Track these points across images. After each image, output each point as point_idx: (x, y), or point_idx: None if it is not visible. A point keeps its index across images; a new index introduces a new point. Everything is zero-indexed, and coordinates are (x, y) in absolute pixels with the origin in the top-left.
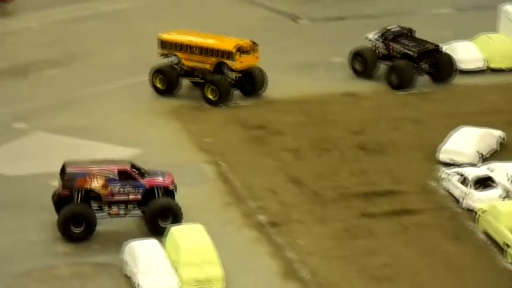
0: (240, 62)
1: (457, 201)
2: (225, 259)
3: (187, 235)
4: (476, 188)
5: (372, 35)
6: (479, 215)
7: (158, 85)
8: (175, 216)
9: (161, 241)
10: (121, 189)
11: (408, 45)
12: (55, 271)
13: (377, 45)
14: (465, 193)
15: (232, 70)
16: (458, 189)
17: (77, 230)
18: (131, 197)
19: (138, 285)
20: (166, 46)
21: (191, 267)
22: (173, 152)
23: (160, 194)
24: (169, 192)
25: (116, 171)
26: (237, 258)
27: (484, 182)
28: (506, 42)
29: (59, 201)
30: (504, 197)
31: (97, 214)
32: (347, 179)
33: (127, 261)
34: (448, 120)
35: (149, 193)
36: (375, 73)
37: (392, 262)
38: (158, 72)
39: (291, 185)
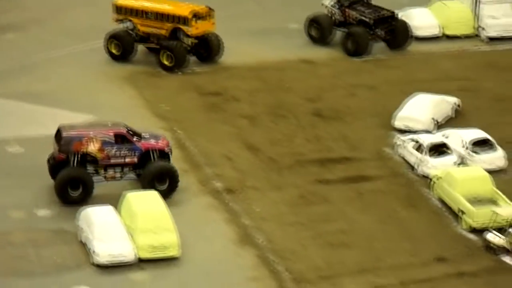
0: (196, 28)
1: (412, 168)
2: (181, 226)
3: (142, 202)
4: (431, 155)
5: (328, 2)
6: (434, 182)
7: (113, 51)
8: (172, 179)
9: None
10: (118, 152)
11: (364, 12)
12: (10, 237)
13: (333, 12)
14: (420, 159)
15: (188, 36)
16: (413, 156)
17: (74, 194)
18: (127, 160)
19: (94, 251)
20: (121, 11)
21: (147, 234)
22: (128, 118)
23: (155, 157)
24: (164, 155)
25: (112, 134)
26: (193, 224)
27: (439, 149)
28: (461, 9)
29: (55, 165)
30: (458, 164)
31: (93, 178)
32: (303, 145)
33: (82, 227)
34: (404, 87)
35: (145, 156)
36: (331, 40)
37: (347, 228)
38: (113, 37)
39: (247, 151)
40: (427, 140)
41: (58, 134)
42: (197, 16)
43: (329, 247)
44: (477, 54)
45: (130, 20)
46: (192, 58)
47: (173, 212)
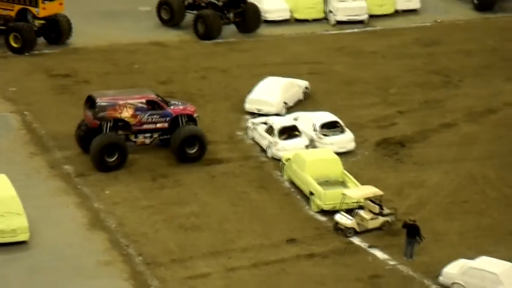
0: (44, 9)
1: (263, 150)
2: (30, 210)
3: None
4: (281, 138)
5: None
6: (284, 164)
7: None
8: (202, 143)
9: None
10: (150, 118)
11: None
12: None
13: None
14: (271, 142)
15: (36, 17)
16: (264, 139)
17: (110, 160)
18: (159, 125)
19: None
20: None
21: None
22: None
23: (184, 122)
24: (192, 120)
25: (145, 100)
26: (43, 209)
27: (290, 132)
28: None
29: (87, 132)
30: (308, 146)
31: None
32: None
33: None
34: (255, 70)
35: (174, 121)
36: (182, 23)
37: (199, 211)
38: None
39: None
40: (277, 123)
41: (91, 101)
42: None
43: (181, 230)
44: (327, 38)
45: None
46: (41, 40)
47: (22, 196)
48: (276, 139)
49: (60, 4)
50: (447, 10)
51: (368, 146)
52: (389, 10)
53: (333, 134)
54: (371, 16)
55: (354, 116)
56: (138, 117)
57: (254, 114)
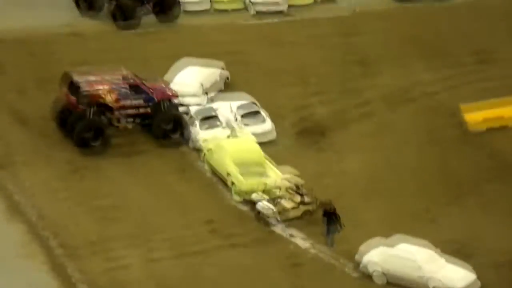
0: None
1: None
2: None
3: None
4: (202, 128)
5: None
6: (205, 153)
7: None
8: (184, 128)
9: None
10: (133, 103)
11: None
12: None
13: None
14: (192, 132)
15: None
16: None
17: (95, 144)
18: (141, 110)
19: None
20: None
21: None
22: None
23: (166, 106)
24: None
25: (127, 84)
26: None
27: (210, 121)
28: None
29: (67, 114)
30: (229, 136)
31: None
32: None
33: None
34: (175, 60)
35: (157, 105)
36: (101, 12)
37: (120, 202)
38: None
39: (17, 125)
40: (198, 112)
41: (71, 84)
42: None
43: (102, 221)
44: (247, 28)
45: None
46: None
47: None
48: (196, 128)
49: None
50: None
51: (289, 135)
52: (308, 0)
53: (255, 124)
54: (290, 6)
55: (274, 105)
56: (121, 101)
57: None
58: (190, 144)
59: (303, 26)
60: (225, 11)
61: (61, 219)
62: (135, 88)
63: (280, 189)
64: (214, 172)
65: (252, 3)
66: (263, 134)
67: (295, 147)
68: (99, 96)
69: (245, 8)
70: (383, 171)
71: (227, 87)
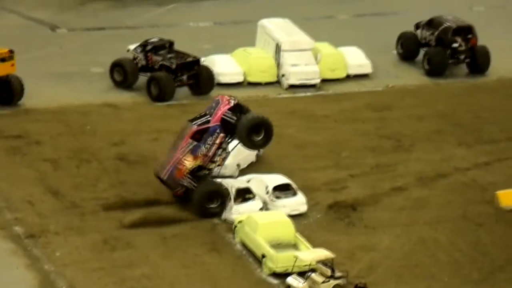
0: None
1: None
2: None
3: None
4: (237, 201)
5: (133, 47)
6: (236, 226)
7: None
8: (269, 129)
9: None
10: (208, 146)
11: (167, 57)
12: None
13: (137, 56)
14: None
15: None
16: None
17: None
18: (217, 141)
19: None
20: None
21: None
22: None
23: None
24: (237, 109)
25: (189, 139)
26: None
27: (243, 194)
28: (262, 56)
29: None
30: (262, 209)
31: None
32: (107, 190)
33: None
34: None
35: (225, 124)
36: (135, 84)
37: (151, 273)
38: None
39: (49, 196)
40: (232, 185)
41: (160, 179)
42: None
43: None
44: (279, 101)
45: None
46: None
47: None
48: (231, 202)
49: (12, 65)
50: (399, 75)
51: (320, 209)
52: (341, 74)
53: (286, 197)
54: (323, 81)
55: (306, 179)
56: (200, 155)
57: None
58: (223, 216)
59: (336, 100)
60: (258, 84)
61: None
62: (198, 134)
63: (310, 263)
64: (245, 245)
65: (285, 76)
66: (295, 207)
67: (326, 221)
68: (180, 170)
69: (278, 82)
70: (416, 248)
71: (258, 159)
